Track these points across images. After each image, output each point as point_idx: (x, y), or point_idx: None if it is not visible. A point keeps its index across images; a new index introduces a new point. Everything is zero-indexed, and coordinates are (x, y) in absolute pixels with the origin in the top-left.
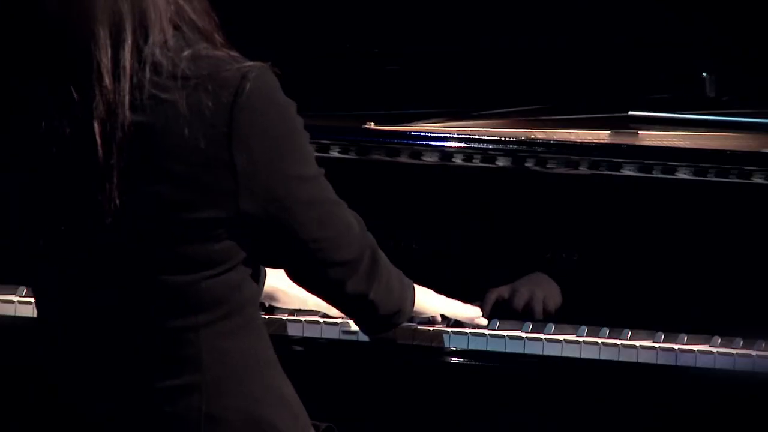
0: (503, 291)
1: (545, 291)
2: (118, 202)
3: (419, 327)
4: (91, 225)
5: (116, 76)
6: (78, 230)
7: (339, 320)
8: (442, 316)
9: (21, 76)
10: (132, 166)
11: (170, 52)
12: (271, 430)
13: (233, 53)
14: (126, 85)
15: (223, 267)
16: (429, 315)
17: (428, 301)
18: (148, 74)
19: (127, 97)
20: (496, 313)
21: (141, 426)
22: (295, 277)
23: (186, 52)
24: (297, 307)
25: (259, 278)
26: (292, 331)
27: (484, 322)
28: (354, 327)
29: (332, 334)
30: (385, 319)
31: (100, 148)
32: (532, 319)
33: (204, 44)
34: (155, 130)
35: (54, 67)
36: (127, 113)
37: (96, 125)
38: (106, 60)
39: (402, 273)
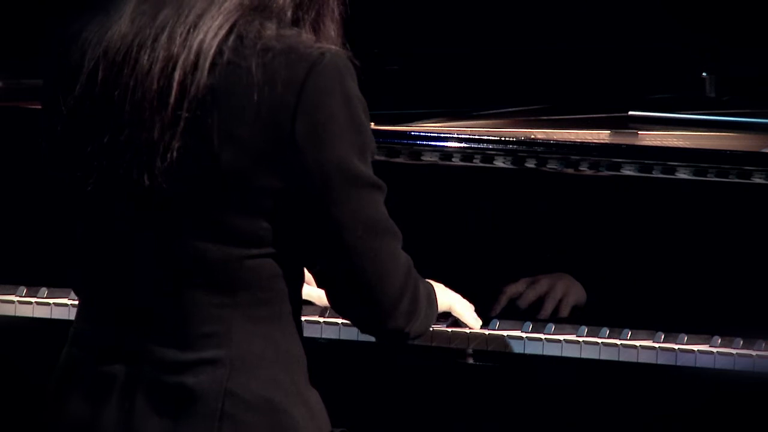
0: (521, 287)
1: (567, 289)
2: (175, 154)
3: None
4: (144, 177)
5: (213, 36)
6: (130, 180)
7: (339, 321)
8: (444, 314)
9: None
10: (196, 124)
11: (260, 27)
12: (286, 419)
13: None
14: (214, 46)
15: (267, 250)
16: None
17: (441, 303)
18: (231, 41)
19: (210, 57)
20: (497, 312)
21: (160, 395)
22: (332, 297)
23: (271, 31)
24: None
25: (300, 280)
26: None
27: (476, 323)
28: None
29: (332, 334)
30: (413, 340)
31: (173, 96)
32: (534, 319)
33: (295, 29)
34: (225, 93)
35: (167, 7)
36: (206, 72)
37: (178, 73)
38: (211, 21)
39: (430, 289)
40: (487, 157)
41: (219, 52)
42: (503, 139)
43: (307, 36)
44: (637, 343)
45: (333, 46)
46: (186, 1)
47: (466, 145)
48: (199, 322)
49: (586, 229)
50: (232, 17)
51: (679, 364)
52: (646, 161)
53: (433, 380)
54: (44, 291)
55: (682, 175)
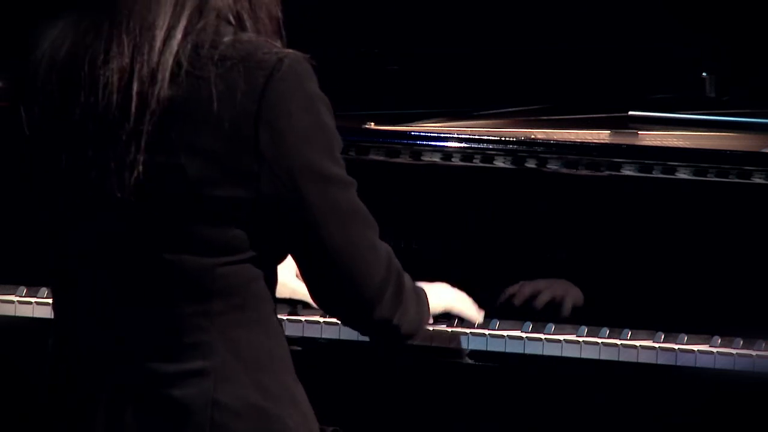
0: (525, 289)
1: (567, 289)
2: (141, 169)
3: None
4: (112, 192)
5: (167, 45)
6: (100, 196)
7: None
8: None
9: (81, 16)
10: (159, 137)
11: (214, 36)
12: (277, 422)
13: (276, 42)
14: (170, 58)
15: (241, 256)
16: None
17: (437, 304)
18: (188, 51)
19: (168, 70)
20: (499, 312)
21: (148, 409)
22: (316, 295)
23: (228, 38)
24: (287, 297)
25: (274, 280)
26: (290, 331)
27: (479, 318)
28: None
29: (332, 334)
30: (406, 337)
31: (134, 108)
32: (534, 319)
33: (250, 34)
34: (186, 105)
35: (111, 17)
36: (166, 84)
37: (135, 85)
38: (160, 28)
39: (417, 287)
40: (487, 157)
41: (177, 63)
42: (503, 139)
43: (262, 39)
44: (637, 343)
45: (290, 50)
46: (123, 10)
47: (466, 145)
48: (180, 332)
49: (586, 229)
50: (181, 24)
51: (679, 364)
52: (646, 161)
53: (432, 380)
54: (44, 291)
55: (682, 175)
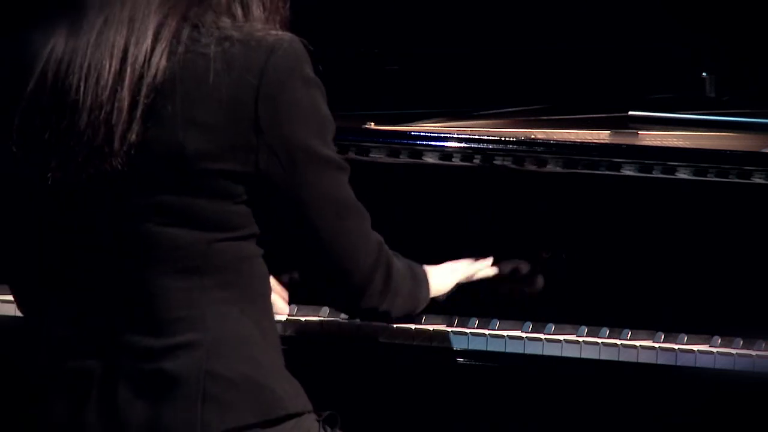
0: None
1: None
2: (134, 137)
3: (419, 327)
4: (104, 160)
5: (164, 25)
6: (90, 164)
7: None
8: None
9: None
10: (157, 111)
11: (215, 18)
12: (270, 394)
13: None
14: (168, 35)
15: (236, 233)
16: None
17: (443, 283)
18: (187, 30)
19: (166, 45)
20: (499, 312)
21: (140, 382)
22: (307, 278)
23: (228, 23)
24: None
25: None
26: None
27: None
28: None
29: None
30: (399, 320)
31: (128, 78)
32: (534, 319)
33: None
34: (185, 81)
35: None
36: (164, 59)
37: (131, 55)
38: (156, 12)
39: (413, 267)
40: (487, 157)
41: (176, 39)
42: (503, 139)
43: (261, 26)
44: (637, 343)
45: (287, 33)
46: (113, 8)
47: (466, 145)
48: (171, 307)
49: (586, 229)
50: (179, 7)
51: (679, 364)
52: (646, 161)
53: (432, 380)
54: None
55: (682, 175)
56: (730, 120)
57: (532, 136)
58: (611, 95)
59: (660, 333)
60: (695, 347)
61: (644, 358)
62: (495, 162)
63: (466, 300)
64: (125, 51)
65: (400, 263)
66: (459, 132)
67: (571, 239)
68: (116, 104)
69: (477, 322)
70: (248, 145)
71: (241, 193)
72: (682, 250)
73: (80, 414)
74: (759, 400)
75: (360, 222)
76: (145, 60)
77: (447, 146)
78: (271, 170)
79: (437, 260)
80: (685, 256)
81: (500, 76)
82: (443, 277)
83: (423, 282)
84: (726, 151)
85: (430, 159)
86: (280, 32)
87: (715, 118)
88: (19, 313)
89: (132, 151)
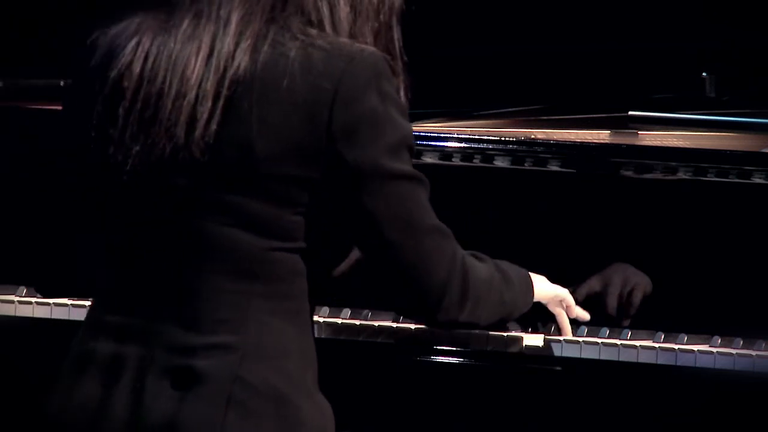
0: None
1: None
2: (213, 128)
3: (419, 327)
4: (185, 153)
5: (249, 22)
6: (170, 155)
7: (339, 320)
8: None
9: None
10: (234, 105)
11: (299, 23)
12: (295, 411)
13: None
14: (252, 32)
15: (290, 244)
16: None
17: (544, 291)
18: (273, 31)
19: (250, 43)
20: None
21: (171, 375)
22: (383, 291)
23: (315, 32)
24: None
25: (317, 281)
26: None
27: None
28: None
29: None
30: (488, 328)
31: (213, 70)
32: (534, 320)
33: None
34: (264, 80)
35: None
36: (246, 56)
37: (216, 54)
38: (239, 10)
39: (507, 271)
40: (487, 157)
41: (261, 39)
42: (503, 139)
43: (348, 40)
44: (637, 343)
45: (373, 47)
46: (201, 5)
47: (466, 145)
48: (217, 307)
49: (585, 229)
50: (264, 8)
51: (679, 364)
52: (646, 161)
53: (432, 380)
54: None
55: (683, 175)
56: (730, 120)
57: (532, 136)
58: (611, 95)
59: (660, 333)
60: (695, 347)
61: (644, 358)
62: (495, 162)
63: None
64: (212, 45)
65: (485, 269)
66: (459, 132)
67: (570, 239)
68: (201, 94)
69: None
70: (318, 153)
71: (301, 202)
72: (681, 250)
73: (108, 397)
74: (759, 400)
75: (433, 235)
76: (229, 55)
77: (447, 146)
78: (339, 179)
79: None
80: (685, 256)
81: (500, 76)
82: (542, 285)
83: (517, 285)
84: (726, 151)
85: (429, 159)
86: (364, 45)
87: (715, 118)
88: (19, 313)
89: (210, 142)
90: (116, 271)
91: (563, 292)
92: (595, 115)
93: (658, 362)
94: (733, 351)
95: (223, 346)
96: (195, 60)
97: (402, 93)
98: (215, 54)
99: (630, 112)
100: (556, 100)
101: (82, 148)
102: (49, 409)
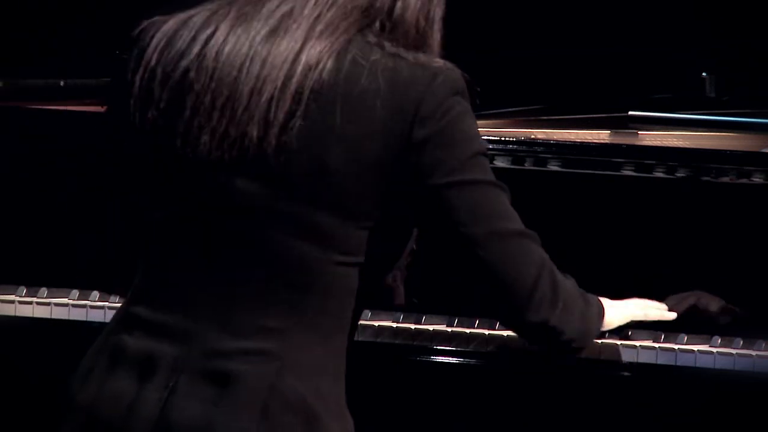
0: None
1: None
2: (295, 129)
3: (419, 327)
4: (245, 158)
5: (335, 29)
6: (226, 158)
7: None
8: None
9: None
10: (314, 112)
11: (380, 38)
12: (322, 428)
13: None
14: (340, 41)
15: (350, 258)
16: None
17: (617, 314)
18: (358, 42)
19: (336, 51)
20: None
21: (205, 378)
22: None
23: (391, 45)
24: None
25: (366, 302)
26: None
27: (673, 315)
28: None
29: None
30: (569, 343)
31: (298, 74)
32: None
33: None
34: (346, 89)
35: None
36: (330, 63)
37: (303, 57)
38: (325, 15)
39: (583, 292)
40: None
41: (345, 50)
42: (503, 139)
43: (426, 56)
44: (637, 342)
45: (450, 63)
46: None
47: None
48: (264, 314)
49: (585, 229)
50: (352, 17)
51: (679, 364)
52: (646, 161)
53: (431, 380)
54: (44, 291)
55: (682, 175)
56: (730, 120)
57: (532, 136)
58: (611, 95)
59: (660, 333)
60: (695, 347)
61: (644, 358)
62: (495, 162)
63: (467, 303)
64: (301, 46)
65: (568, 282)
66: None
67: (570, 239)
68: (280, 95)
69: (477, 322)
70: (393, 165)
71: (368, 216)
72: (681, 250)
73: (140, 394)
74: (759, 400)
75: (520, 235)
76: (316, 58)
77: None
78: (418, 193)
79: (437, 261)
80: (685, 256)
81: (500, 77)
82: (617, 309)
83: (593, 305)
84: (726, 151)
85: None
86: (442, 61)
87: (715, 118)
88: (19, 313)
89: (283, 146)
90: (159, 269)
91: (632, 312)
92: (595, 115)
93: (658, 362)
94: (733, 351)
95: (263, 353)
96: (281, 60)
97: None
98: (303, 55)
99: (630, 112)
100: (556, 100)
101: (135, 137)
102: (81, 398)
